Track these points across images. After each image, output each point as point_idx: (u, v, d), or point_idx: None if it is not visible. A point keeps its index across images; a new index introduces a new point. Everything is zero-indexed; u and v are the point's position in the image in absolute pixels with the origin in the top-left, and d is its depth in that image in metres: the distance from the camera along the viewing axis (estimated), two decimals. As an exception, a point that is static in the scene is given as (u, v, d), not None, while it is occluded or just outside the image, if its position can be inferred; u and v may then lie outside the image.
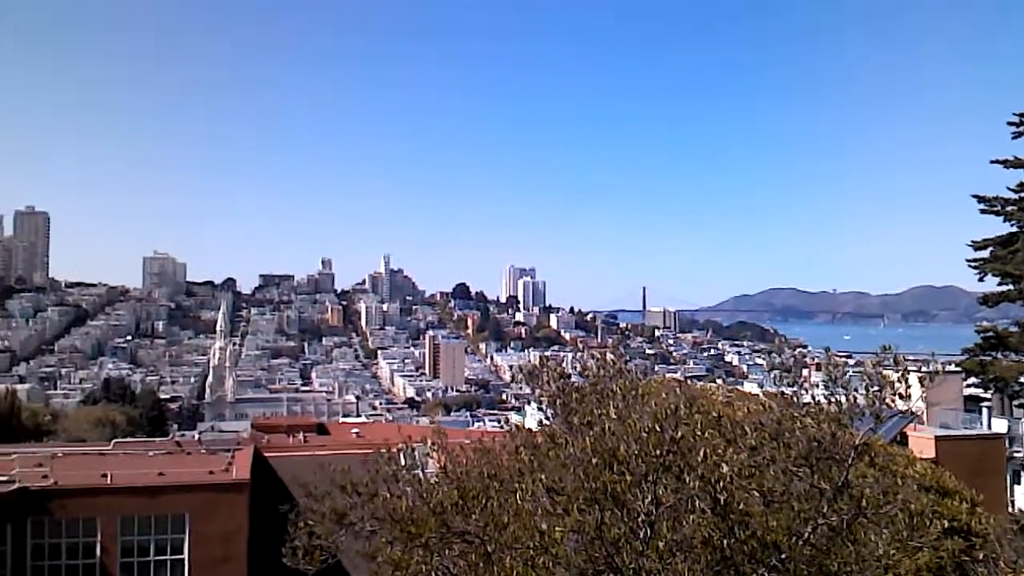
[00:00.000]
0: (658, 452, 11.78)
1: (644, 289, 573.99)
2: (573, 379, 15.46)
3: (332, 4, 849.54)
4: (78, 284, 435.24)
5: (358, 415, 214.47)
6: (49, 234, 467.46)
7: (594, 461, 11.68)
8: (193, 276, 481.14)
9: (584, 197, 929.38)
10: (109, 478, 29.85)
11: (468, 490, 12.53)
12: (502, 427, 17.27)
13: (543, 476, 12.13)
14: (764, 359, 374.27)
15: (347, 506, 13.22)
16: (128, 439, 57.87)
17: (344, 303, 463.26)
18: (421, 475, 13.58)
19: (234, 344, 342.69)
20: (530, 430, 14.76)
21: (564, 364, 16.74)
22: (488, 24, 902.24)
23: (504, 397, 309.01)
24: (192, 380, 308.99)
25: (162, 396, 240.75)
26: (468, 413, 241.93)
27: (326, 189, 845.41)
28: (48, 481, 29.31)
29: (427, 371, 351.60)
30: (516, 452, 13.81)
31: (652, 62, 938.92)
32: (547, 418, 14.82)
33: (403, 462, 13.79)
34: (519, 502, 12.02)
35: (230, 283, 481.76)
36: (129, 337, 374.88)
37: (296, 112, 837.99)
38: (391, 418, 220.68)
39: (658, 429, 11.92)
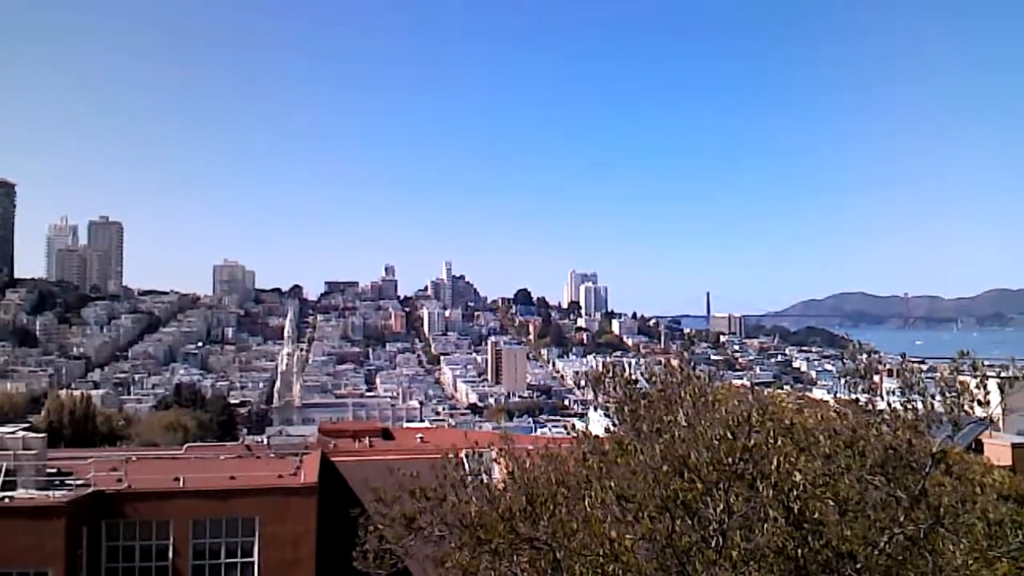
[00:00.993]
0: (730, 460, 11.62)
1: (708, 294, 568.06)
2: (640, 385, 15.33)
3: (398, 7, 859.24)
4: (151, 292, 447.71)
5: (421, 420, 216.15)
6: (122, 243, 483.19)
7: (664, 468, 11.56)
8: (261, 283, 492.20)
9: (647, 202, 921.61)
10: (181, 482, 30.42)
11: (536, 496, 12.50)
12: (568, 433, 17.19)
13: (612, 483, 12.04)
14: (833, 365, 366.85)
15: (416, 511, 13.29)
16: (199, 443, 59.12)
17: (407, 309, 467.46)
18: (488, 481, 13.58)
19: (301, 350, 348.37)
20: (597, 437, 14.66)
21: (630, 370, 16.60)
22: (545, 29, 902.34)
23: (566, 403, 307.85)
24: (261, 385, 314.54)
25: (232, 401, 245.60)
26: (530, 419, 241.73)
27: (389, 196, 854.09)
28: (122, 485, 29.93)
29: (489, 377, 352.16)
30: (583, 459, 13.73)
31: (714, 62, 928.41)
32: (614, 424, 14.71)
33: (470, 467, 13.81)
34: (588, 509, 11.95)
35: (297, 290, 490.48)
36: (200, 343, 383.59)
37: (359, 121, 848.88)
38: (454, 423, 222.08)
39: (730, 436, 11.76)
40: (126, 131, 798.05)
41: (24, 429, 34.54)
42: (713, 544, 11.56)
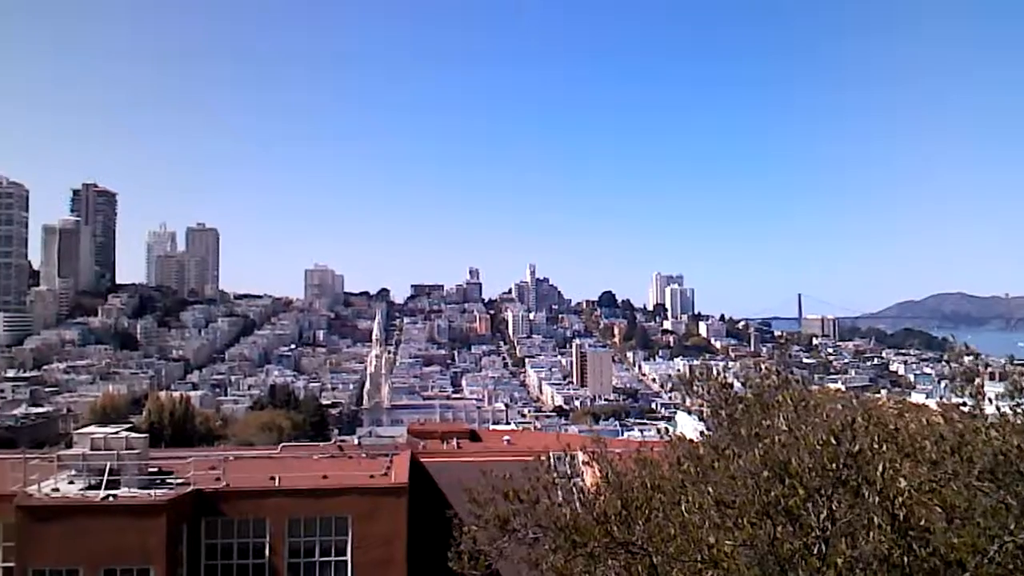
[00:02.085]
0: (834, 466, 11.27)
1: (800, 296, 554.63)
2: (735, 389, 14.97)
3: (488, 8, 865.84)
4: (245, 296, 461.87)
5: (507, 422, 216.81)
6: (219, 249, 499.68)
7: (765, 474, 11.24)
8: (350, 287, 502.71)
9: (734, 202, 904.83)
10: (277, 481, 31.04)
11: (631, 500, 12.30)
12: (659, 437, 16.89)
13: (710, 488, 11.76)
14: (932, 368, 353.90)
15: (510, 512, 13.22)
16: (293, 443, 60.41)
17: (491, 312, 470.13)
18: (581, 484, 13.44)
19: (389, 352, 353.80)
20: (692, 441, 14.37)
21: (723, 373, 16.23)
22: (624, 29, 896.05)
23: (653, 406, 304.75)
24: (351, 387, 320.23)
25: (323, 402, 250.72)
26: (616, 422, 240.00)
27: (473, 200, 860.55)
28: (221, 483, 30.70)
29: (574, 379, 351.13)
30: (678, 463, 13.47)
31: (799, 56, 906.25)
32: (708, 428, 14.40)
33: (562, 470, 13.69)
34: (685, 514, 11.70)
35: (384, 293, 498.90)
36: (292, 345, 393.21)
37: (440, 126, 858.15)
38: (540, 426, 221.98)
39: (834, 442, 11.39)
40: (221, 141, 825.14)
41: (127, 429, 35.78)
42: (816, 551, 11.24)
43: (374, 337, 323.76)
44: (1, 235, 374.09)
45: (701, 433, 14.67)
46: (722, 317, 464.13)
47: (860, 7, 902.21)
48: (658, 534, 11.83)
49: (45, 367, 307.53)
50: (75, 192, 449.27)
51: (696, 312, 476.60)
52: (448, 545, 15.13)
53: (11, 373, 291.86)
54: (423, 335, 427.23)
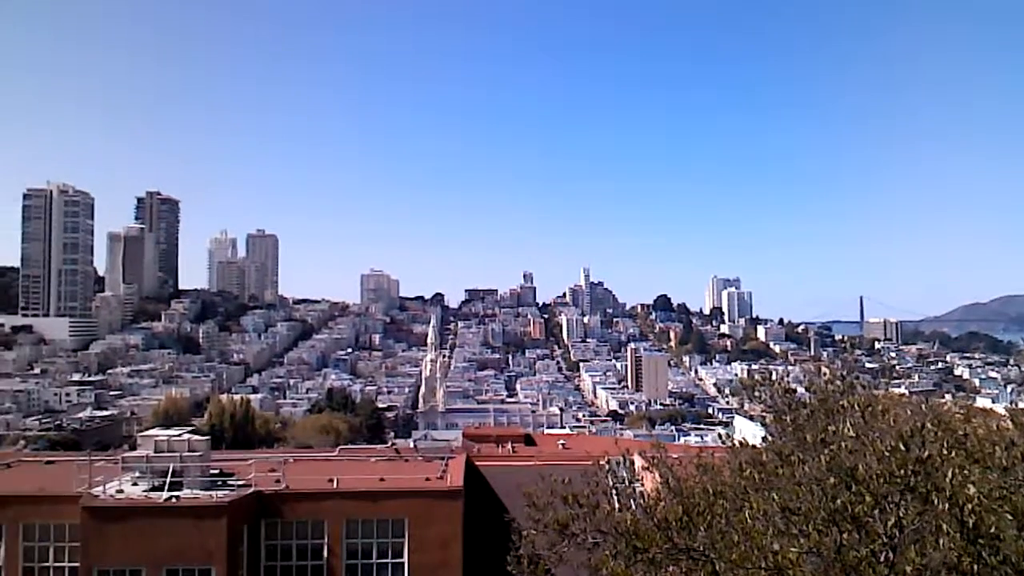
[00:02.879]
0: (902, 472, 10.97)
1: (861, 299, 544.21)
2: (798, 394, 14.66)
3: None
4: (304, 301, 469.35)
5: (562, 426, 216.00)
6: (278, 255, 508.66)
7: (831, 480, 10.97)
8: (405, 292, 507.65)
9: (793, 203, 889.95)
10: (335, 483, 31.29)
11: (692, 506, 12.09)
12: (721, 442, 16.61)
13: (775, 494, 11.50)
14: (998, 372, 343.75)
15: (569, 517, 13.10)
16: (351, 446, 61.03)
17: (546, 316, 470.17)
18: (640, 489, 13.25)
19: (443, 356, 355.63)
20: (754, 447, 14.09)
21: (785, 378, 15.88)
22: (673, 33, 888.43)
23: (710, 411, 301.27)
24: (406, 390, 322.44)
25: (379, 405, 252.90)
26: (673, 427, 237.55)
27: (527, 204, 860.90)
28: (280, 485, 31.03)
29: (629, 384, 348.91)
30: (740, 469, 13.21)
31: (855, 54, 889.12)
32: (771, 434, 14.10)
33: (620, 475, 13.51)
34: (748, 520, 11.46)
35: (439, 298, 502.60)
36: (349, 349, 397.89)
37: (496, 129, 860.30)
38: (594, 431, 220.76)
39: (902, 448, 11.08)
40: (279, 149, 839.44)
41: (189, 432, 36.38)
42: (883, 559, 10.96)
43: (429, 341, 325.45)
44: (68, 242, 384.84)
45: (764, 439, 14.36)
46: (781, 321, 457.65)
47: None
48: (720, 540, 11.62)
49: (110, 371, 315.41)
50: (139, 200, 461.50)
51: (754, 316, 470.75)
52: (504, 549, 15.05)
53: (77, 377, 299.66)
54: (477, 339, 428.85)
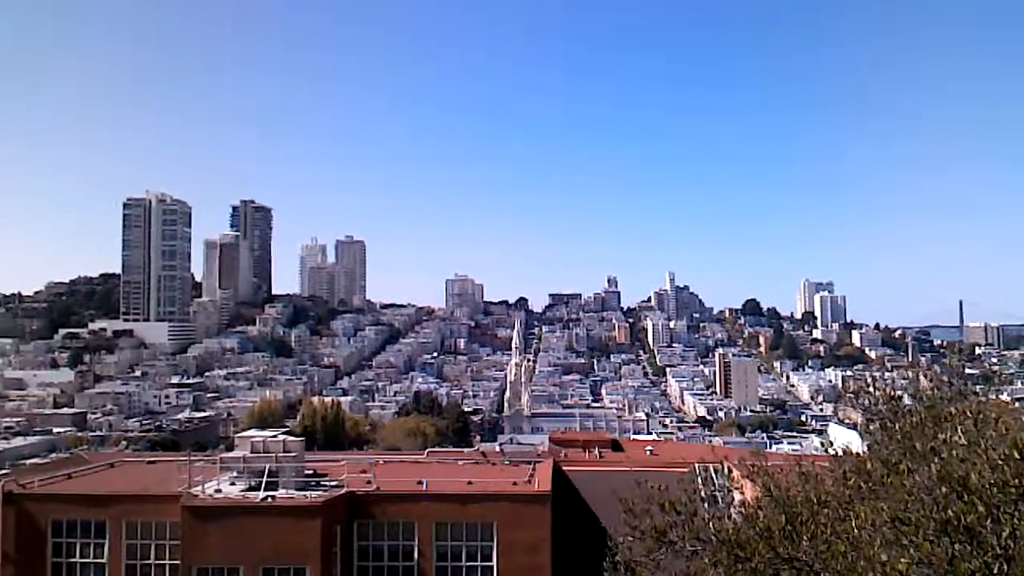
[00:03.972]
0: (1017, 482, 10.44)
1: (961, 302, 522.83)
2: (904, 401, 14.08)
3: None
4: (390, 305, 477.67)
5: (649, 432, 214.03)
6: (365, 260, 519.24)
7: (942, 490, 10.50)
8: (489, 296, 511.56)
9: (886, 204, 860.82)
10: (424, 485, 31.54)
11: (796, 515, 11.72)
12: (821, 449, 16.07)
13: (883, 504, 11.07)
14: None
15: (667, 524, 12.85)
16: (439, 448, 61.55)
17: (630, 320, 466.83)
18: (740, 497, 12.92)
19: (528, 360, 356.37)
20: (857, 455, 13.60)
21: (889, 385, 15.27)
22: (764, 31, 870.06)
23: (803, 418, 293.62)
24: (492, 394, 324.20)
25: (465, 409, 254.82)
26: (764, 434, 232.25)
27: (611, 208, 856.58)
28: (371, 486, 31.44)
29: (718, 390, 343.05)
30: (844, 477, 12.76)
31: (933, 51, 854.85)
32: (876, 442, 13.58)
33: (718, 482, 13.21)
34: (855, 530, 11.05)
35: (523, 302, 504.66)
36: (435, 353, 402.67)
37: (578, 133, 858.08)
38: (682, 437, 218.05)
39: (1017, 456, 10.54)
40: (365, 155, 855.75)
41: (283, 433, 37.19)
42: (996, 571, 10.44)
43: (514, 345, 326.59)
44: (166, 250, 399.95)
45: (870, 447, 13.85)
46: (877, 326, 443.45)
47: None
48: (826, 551, 11.23)
49: (207, 374, 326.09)
50: (234, 208, 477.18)
51: (848, 320, 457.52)
52: (594, 554, 14.87)
53: (176, 380, 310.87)
54: (562, 343, 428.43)
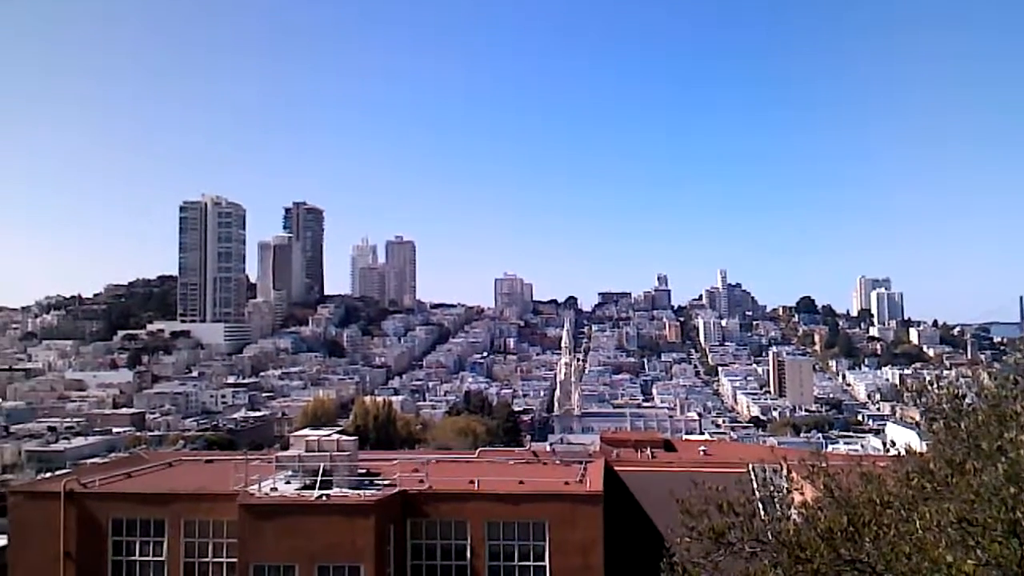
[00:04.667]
0: (1088, 483, 10.10)
1: (1022, 298, 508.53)
2: (968, 400, 13.71)
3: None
4: (440, 305, 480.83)
5: (701, 432, 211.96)
6: (415, 260, 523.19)
7: (1011, 490, 10.19)
8: (538, 295, 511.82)
9: (944, 198, 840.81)
10: (476, 484, 31.63)
11: (858, 516, 11.47)
12: (883, 449, 15.72)
13: (949, 505, 10.78)
14: None
15: (725, 525, 12.68)
16: (490, 448, 61.70)
17: (681, 319, 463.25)
18: (800, 498, 12.69)
19: (578, 360, 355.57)
20: (920, 454, 13.27)
21: (955, 383, 14.86)
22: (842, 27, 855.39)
23: (859, 418, 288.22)
24: (541, 394, 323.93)
25: (515, 408, 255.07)
26: (819, 434, 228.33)
27: (660, 206, 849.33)
28: (424, 485, 31.63)
29: (771, 389, 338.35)
30: (907, 478, 12.46)
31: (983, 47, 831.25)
32: (939, 441, 13.24)
33: (777, 483, 12.98)
34: (919, 531, 10.78)
35: (572, 301, 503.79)
36: (485, 353, 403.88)
37: (626, 131, 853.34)
38: (736, 437, 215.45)
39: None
40: (413, 158, 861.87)
41: (337, 432, 37.56)
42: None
43: (563, 344, 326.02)
44: (222, 252, 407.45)
45: (932, 446, 13.50)
46: (935, 323, 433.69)
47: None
48: (890, 552, 10.97)
49: (262, 373, 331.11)
50: (286, 210, 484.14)
51: (906, 318, 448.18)
52: (647, 555, 14.72)
53: (232, 379, 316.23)
54: (612, 343, 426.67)
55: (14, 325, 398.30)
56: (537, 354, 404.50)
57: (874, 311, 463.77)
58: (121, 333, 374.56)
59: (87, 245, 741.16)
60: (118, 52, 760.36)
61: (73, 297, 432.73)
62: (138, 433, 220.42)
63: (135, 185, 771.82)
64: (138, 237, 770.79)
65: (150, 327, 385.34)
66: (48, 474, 68.26)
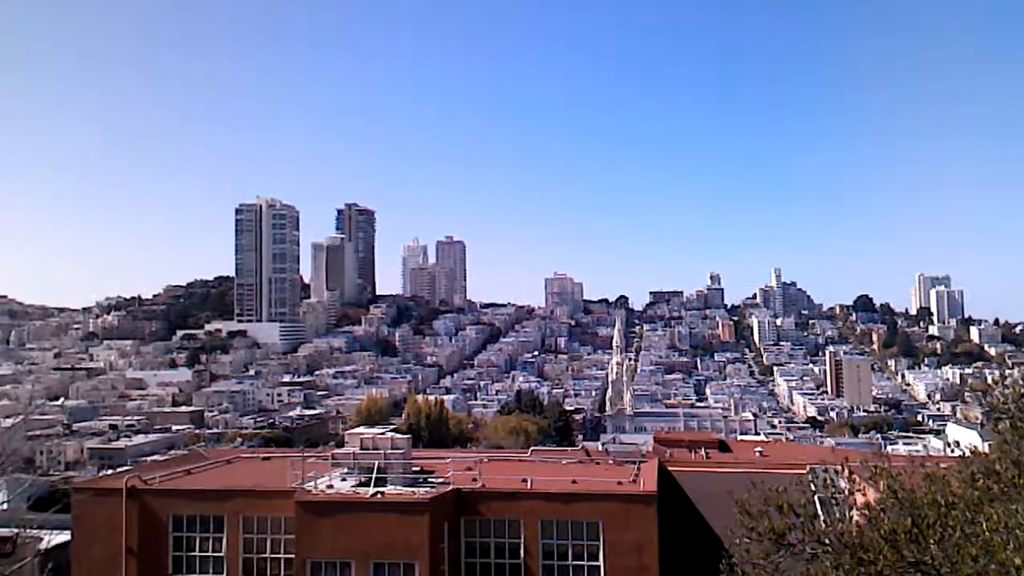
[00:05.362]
0: None
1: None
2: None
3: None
4: (491, 305, 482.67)
5: (756, 433, 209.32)
6: (465, 260, 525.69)
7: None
8: (589, 295, 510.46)
9: (1005, 193, 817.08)
10: (529, 483, 31.62)
11: (922, 518, 11.23)
12: (951, 451, 15.33)
13: (1017, 506, 10.50)
14: None
15: (786, 526, 12.50)
16: (542, 447, 61.56)
17: (735, 318, 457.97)
18: (863, 499, 12.46)
19: (629, 359, 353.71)
20: (985, 455, 12.94)
21: (1020, 383, 14.44)
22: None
23: (919, 418, 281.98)
24: (593, 393, 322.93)
25: (567, 408, 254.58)
26: (878, 435, 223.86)
27: (712, 204, 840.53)
28: (477, 484, 31.73)
29: (828, 389, 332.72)
30: (972, 479, 12.17)
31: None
32: (1006, 442, 12.89)
33: (838, 485, 12.77)
34: (986, 533, 10.52)
35: (623, 300, 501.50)
36: (536, 352, 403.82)
37: (676, 130, 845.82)
38: (791, 437, 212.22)
39: None
40: (464, 158, 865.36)
41: (391, 430, 37.85)
42: None
43: (614, 344, 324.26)
44: (276, 253, 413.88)
45: (996, 447, 13.15)
46: (996, 321, 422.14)
47: None
48: (956, 554, 10.72)
49: (316, 372, 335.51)
50: (339, 212, 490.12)
51: (966, 316, 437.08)
52: (702, 556, 14.58)
53: (287, 378, 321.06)
54: (664, 342, 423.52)
55: (76, 326, 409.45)
56: (588, 353, 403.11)
57: (933, 309, 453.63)
58: (180, 333, 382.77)
59: (147, 247, 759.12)
60: (175, 53, 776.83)
61: (133, 298, 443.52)
62: (197, 431, 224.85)
63: (193, 188, 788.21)
64: (196, 239, 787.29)
65: (208, 327, 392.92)
66: (110, 471, 69.97)
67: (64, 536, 31.85)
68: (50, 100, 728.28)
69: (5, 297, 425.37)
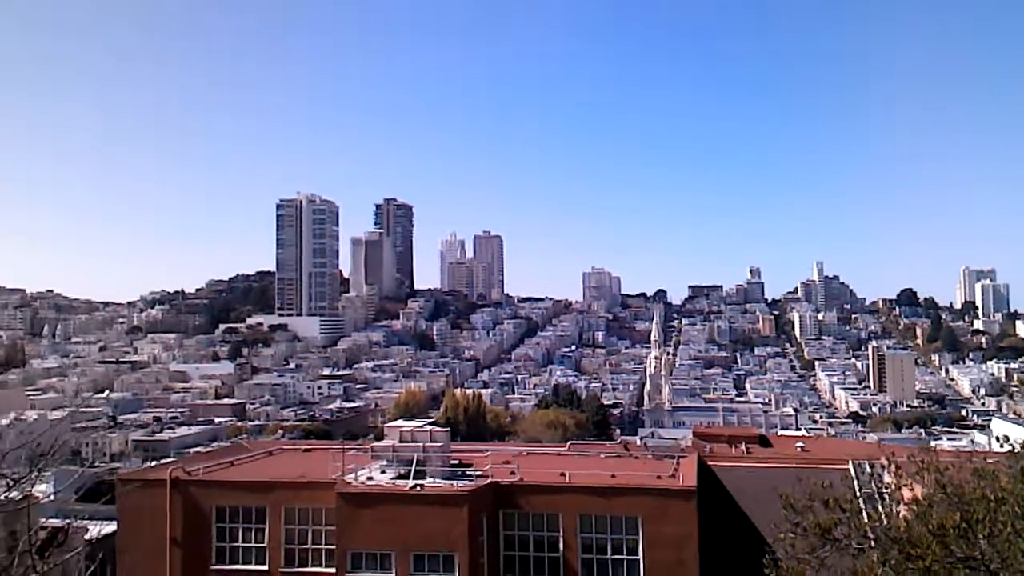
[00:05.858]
0: None
1: None
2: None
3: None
4: (528, 299, 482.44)
5: (797, 428, 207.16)
6: (503, 254, 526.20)
7: None
8: (627, 289, 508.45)
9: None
10: (567, 477, 31.65)
11: (971, 513, 11.05)
12: (1001, 446, 15.05)
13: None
14: None
15: (832, 521, 12.38)
16: (580, 441, 61.58)
17: (775, 312, 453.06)
18: (910, 494, 12.28)
19: (668, 353, 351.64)
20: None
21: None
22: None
23: (964, 413, 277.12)
24: (631, 387, 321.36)
25: (605, 402, 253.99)
26: (922, 430, 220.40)
27: (752, 197, 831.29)
28: (515, 477, 31.84)
29: (871, 384, 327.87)
30: (1022, 474, 11.94)
31: None
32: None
33: (884, 480, 12.59)
34: (1036, 529, 10.33)
35: (661, 294, 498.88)
36: (573, 346, 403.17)
37: (711, 125, 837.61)
38: (833, 433, 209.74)
39: None
40: (501, 153, 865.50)
41: (429, 424, 38.12)
42: None
43: (653, 338, 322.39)
44: (316, 248, 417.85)
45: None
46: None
47: None
48: (1007, 550, 10.53)
49: (356, 366, 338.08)
50: (377, 207, 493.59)
51: (1013, 310, 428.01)
52: (743, 550, 14.46)
53: (327, 371, 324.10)
54: (703, 336, 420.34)
55: (121, 319, 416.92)
56: (626, 348, 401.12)
57: (979, 303, 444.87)
58: (222, 326, 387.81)
59: (190, 242, 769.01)
60: (222, 52, 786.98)
61: (176, 292, 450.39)
62: (239, 423, 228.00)
63: (235, 184, 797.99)
64: (238, 234, 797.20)
65: (249, 320, 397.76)
66: (154, 463, 71.21)
67: (111, 527, 32.47)
68: (97, 99, 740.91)
69: (52, 291, 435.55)
